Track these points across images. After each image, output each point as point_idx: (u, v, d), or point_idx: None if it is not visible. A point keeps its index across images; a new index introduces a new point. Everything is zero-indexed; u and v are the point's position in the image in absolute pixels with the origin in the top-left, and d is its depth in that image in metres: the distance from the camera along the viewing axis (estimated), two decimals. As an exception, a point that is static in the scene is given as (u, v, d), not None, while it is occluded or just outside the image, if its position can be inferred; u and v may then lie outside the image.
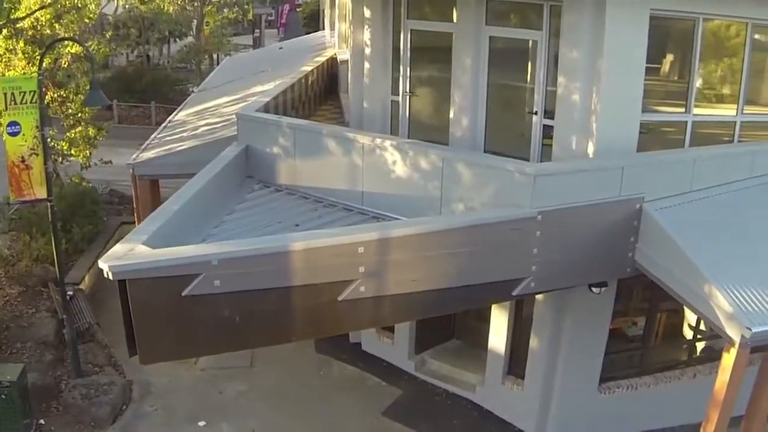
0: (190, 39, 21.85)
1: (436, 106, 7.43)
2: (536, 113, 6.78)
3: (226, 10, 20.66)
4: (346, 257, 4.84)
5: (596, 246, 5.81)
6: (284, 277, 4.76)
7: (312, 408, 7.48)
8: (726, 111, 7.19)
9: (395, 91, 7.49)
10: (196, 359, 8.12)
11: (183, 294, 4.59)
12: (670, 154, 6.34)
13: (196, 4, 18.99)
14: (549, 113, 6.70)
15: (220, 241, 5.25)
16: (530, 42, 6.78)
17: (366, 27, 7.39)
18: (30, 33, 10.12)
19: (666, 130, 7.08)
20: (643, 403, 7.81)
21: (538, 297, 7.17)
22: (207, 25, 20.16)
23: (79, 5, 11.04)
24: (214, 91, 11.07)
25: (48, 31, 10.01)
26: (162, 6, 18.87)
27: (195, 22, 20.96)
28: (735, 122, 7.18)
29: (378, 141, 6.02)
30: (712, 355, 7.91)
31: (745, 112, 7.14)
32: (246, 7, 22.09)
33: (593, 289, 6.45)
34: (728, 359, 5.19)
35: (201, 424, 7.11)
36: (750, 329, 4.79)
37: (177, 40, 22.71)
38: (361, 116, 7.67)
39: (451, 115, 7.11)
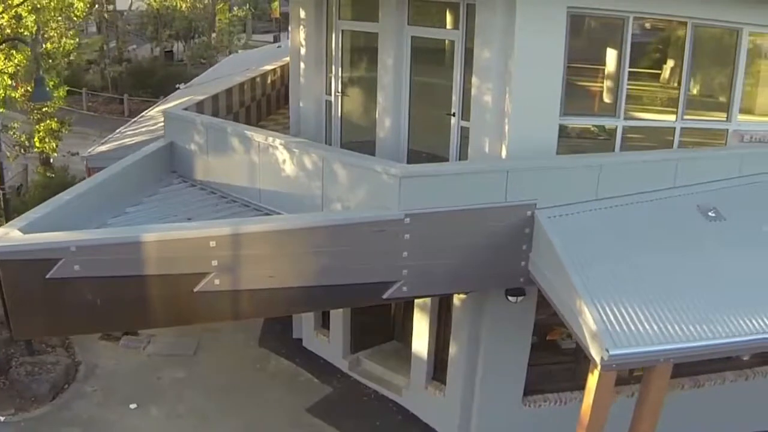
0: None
1: (365, 106, 7.43)
2: (454, 115, 6.70)
3: (236, 9, 21.28)
4: (198, 250, 4.98)
5: (482, 252, 5.61)
6: (140, 265, 4.97)
7: (240, 399, 7.67)
8: (665, 117, 6.74)
9: (329, 91, 7.53)
10: (145, 345, 8.62)
11: (47, 277, 4.90)
12: (571, 160, 6.02)
13: (207, 1, 19.61)
14: (467, 115, 6.50)
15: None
16: (449, 42, 6.62)
17: (301, 27, 7.48)
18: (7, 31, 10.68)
19: (596, 134, 6.63)
20: (572, 419, 7.46)
21: (456, 302, 7.04)
22: (219, 23, 20.80)
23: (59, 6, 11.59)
24: (197, 88, 11.47)
25: (8, 31, 10.58)
26: (175, 3, 19.59)
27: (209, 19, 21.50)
28: (674, 128, 6.82)
29: (270, 140, 6.11)
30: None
31: (686, 117, 6.69)
32: (262, 4, 22.31)
33: (509, 297, 6.28)
34: (592, 381, 4.94)
35: (132, 406, 7.47)
36: (608, 351, 4.51)
37: (198, 36, 23.25)
38: (298, 116, 7.78)
39: (377, 115, 7.12)
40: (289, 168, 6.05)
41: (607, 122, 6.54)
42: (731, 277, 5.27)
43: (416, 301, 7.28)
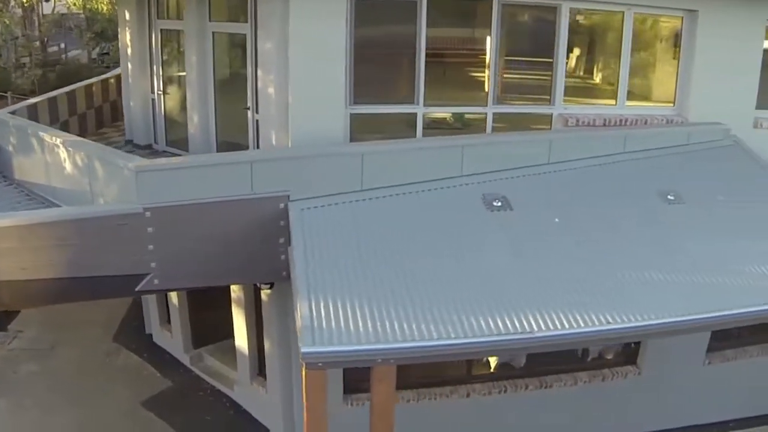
0: None
1: (182, 103, 7.47)
2: (249, 108, 6.70)
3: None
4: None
5: (238, 245, 5.60)
6: None
7: (84, 392, 7.80)
8: (475, 103, 6.57)
9: (153, 89, 7.66)
10: (11, 340, 8.91)
11: None
12: (331, 148, 5.89)
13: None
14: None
15: None
16: (243, 37, 6.60)
17: (126, 28, 7.64)
18: None
19: (397, 122, 6.54)
20: (400, 418, 7.32)
21: (263, 297, 7.02)
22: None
23: None
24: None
25: None
26: (96, 5, 19.70)
27: None
28: (486, 114, 6.64)
29: (55, 139, 6.22)
30: (491, 375, 7.38)
31: (501, 103, 6.55)
32: None
33: (261, 286, 6.26)
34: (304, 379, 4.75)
35: (-19, 399, 7.82)
36: (302, 348, 4.33)
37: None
38: (129, 115, 7.95)
39: (187, 111, 7.22)
40: (68, 165, 6.18)
41: (407, 110, 6.43)
42: (494, 274, 5.00)
43: (232, 296, 7.33)
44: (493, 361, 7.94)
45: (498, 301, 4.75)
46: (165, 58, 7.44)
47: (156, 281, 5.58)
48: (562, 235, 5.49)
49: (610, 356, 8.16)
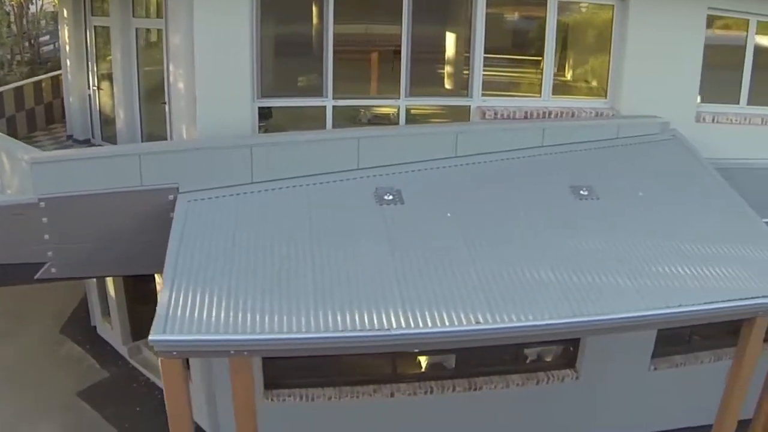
0: None
1: (113, 99, 7.53)
2: (165, 103, 6.73)
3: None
4: None
5: (132, 236, 5.63)
6: None
7: (25, 382, 7.95)
8: (388, 95, 6.46)
9: (89, 85, 7.78)
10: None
11: None
12: (220, 141, 5.82)
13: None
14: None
15: None
16: (161, 32, 6.64)
17: (65, 25, 7.81)
18: None
19: (310, 114, 6.48)
20: (321, 415, 7.16)
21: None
22: None
23: None
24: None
25: None
26: None
27: None
28: (398, 107, 6.48)
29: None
30: (419, 374, 7.26)
31: (412, 95, 6.40)
32: None
33: None
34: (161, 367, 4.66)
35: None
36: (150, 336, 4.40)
37: None
38: (69, 111, 8.06)
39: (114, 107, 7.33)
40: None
41: (315, 103, 6.37)
42: (365, 268, 4.87)
43: (158, 288, 7.39)
44: (423, 360, 7.84)
45: (362, 297, 4.65)
46: (98, 54, 7.61)
47: (53, 270, 5.66)
48: (449, 229, 5.33)
49: (549, 358, 7.95)
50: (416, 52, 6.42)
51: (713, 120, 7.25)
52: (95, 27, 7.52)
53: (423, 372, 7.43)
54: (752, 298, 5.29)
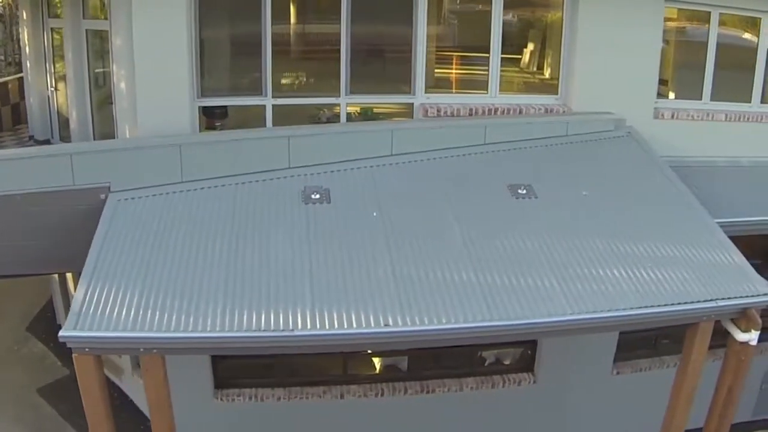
0: None
1: (68, 99, 7.59)
2: (111, 103, 6.75)
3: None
4: None
5: (62, 235, 5.62)
6: None
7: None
8: (329, 93, 6.39)
9: (48, 86, 7.84)
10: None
11: None
12: (150, 140, 5.80)
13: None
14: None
15: None
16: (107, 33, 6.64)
17: (24, 27, 7.90)
18: None
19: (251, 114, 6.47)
20: (271, 415, 7.07)
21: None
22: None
23: None
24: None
25: None
26: None
27: None
28: (339, 104, 6.42)
29: None
30: (372, 375, 7.19)
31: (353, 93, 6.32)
32: None
33: None
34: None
35: None
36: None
37: None
38: (30, 111, 8.14)
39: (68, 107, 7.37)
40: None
41: (256, 101, 6.33)
42: (279, 268, 4.79)
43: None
44: (377, 361, 7.73)
45: (273, 296, 4.58)
46: (54, 56, 7.68)
47: (-12, 267, 5.80)
48: (373, 230, 5.21)
49: (507, 361, 7.78)
50: (358, 50, 6.37)
51: (672, 116, 7.05)
52: (52, 29, 7.64)
53: (375, 373, 7.37)
54: (693, 302, 5.16)
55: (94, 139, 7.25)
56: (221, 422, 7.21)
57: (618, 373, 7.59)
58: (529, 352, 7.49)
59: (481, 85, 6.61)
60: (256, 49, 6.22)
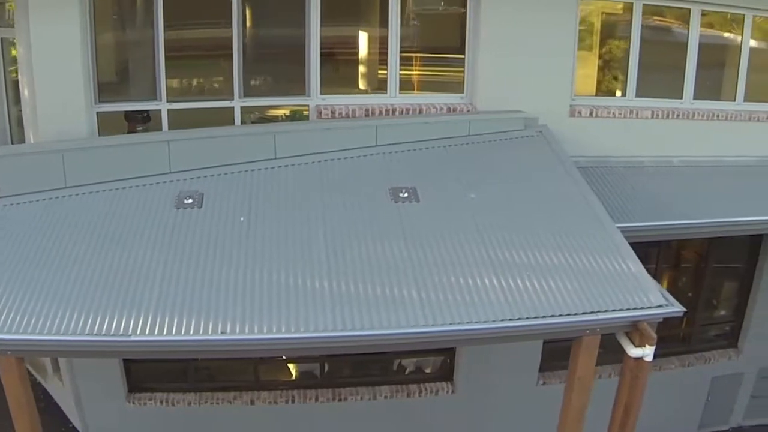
0: None
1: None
2: (20, 110, 6.82)
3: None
4: None
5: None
6: None
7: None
8: (223, 97, 6.29)
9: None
10: None
11: None
12: (32, 147, 5.89)
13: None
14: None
15: None
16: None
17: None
18: None
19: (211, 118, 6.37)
20: (182, 420, 7.01)
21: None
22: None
23: None
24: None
25: None
26: None
27: None
28: (233, 108, 6.31)
29: None
30: (283, 381, 7.09)
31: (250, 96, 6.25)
32: None
33: None
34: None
35: None
36: None
37: None
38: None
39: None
40: None
41: (151, 106, 6.30)
42: (146, 272, 4.73)
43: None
44: (292, 367, 7.60)
45: (119, 300, 4.49)
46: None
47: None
48: (237, 235, 5.07)
49: (428, 370, 7.52)
50: (253, 52, 6.29)
51: (591, 114, 6.68)
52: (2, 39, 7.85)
53: (286, 380, 7.25)
54: (570, 315, 4.83)
55: (12, 141, 7.43)
56: (134, 426, 7.23)
57: (544, 383, 7.26)
58: (448, 361, 7.25)
59: (380, 85, 6.46)
60: (152, 54, 6.25)
